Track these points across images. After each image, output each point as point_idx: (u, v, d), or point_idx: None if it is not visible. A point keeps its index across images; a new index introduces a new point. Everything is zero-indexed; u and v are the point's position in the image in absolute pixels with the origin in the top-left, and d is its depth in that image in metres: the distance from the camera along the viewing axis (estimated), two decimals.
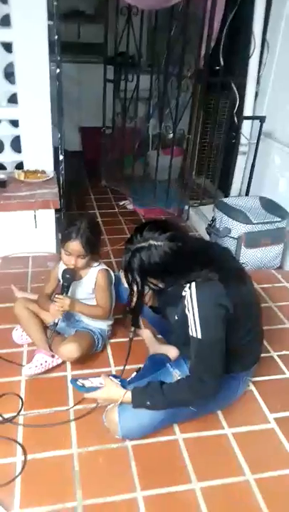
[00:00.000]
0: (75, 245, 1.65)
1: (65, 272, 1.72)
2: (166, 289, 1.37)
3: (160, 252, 1.24)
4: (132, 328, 1.56)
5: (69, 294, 1.75)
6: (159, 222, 1.35)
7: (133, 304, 1.39)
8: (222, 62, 2.79)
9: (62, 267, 1.81)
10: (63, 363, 1.78)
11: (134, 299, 1.37)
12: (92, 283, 1.79)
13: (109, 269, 1.83)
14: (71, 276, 1.72)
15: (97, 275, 1.78)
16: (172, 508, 1.29)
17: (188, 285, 1.31)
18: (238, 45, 2.80)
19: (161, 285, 1.34)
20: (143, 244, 1.26)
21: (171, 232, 1.27)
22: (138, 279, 1.30)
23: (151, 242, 1.25)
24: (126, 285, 1.90)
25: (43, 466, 1.38)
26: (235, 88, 2.82)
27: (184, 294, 1.33)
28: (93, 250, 1.71)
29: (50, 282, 1.89)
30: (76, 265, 1.71)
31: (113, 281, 1.86)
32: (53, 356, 1.74)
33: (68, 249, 1.67)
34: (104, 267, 1.82)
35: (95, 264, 1.80)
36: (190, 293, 1.30)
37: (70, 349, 1.67)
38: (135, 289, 1.33)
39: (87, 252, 1.68)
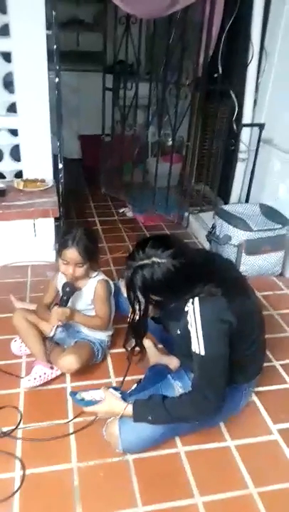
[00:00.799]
0: (72, 253, 1.64)
1: (65, 285, 1.70)
2: (168, 304, 1.35)
3: (163, 270, 1.22)
4: (135, 349, 1.50)
5: (68, 306, 1.74)
6: (161, 237, 1.33)
7: (134, 321, 1.36)
8: (220, 70, 2.80)
9: (61, 276, 1.80)
10: (62, 374, 1.75)
11: (137, 317, 1.34)
12: (91, 293, 1.77)
13: (108, 279, 1.82)
14: (71, 290, 1.70)
15: (97, 286, 1.76)
16: None
17: (191, 300, 1.29)
18: (236, 52, 2.80)
19: (163, 301, 1.32)
20: (146, 261, 1.23)
21: (174, 248, 1.25)
22: (140, 297, 1.27)
23: (154, 259, 1.23)
24: (126, 295, 1.92)
25: (42, 481, 1.36)
26: (233, 96, 2.82)
27: (186, 309, 1.31)
28: (91, 258, 1.69)
29: (49, 292, 1.88)
30: (74, 274, 1.68)
31: (112, 291, 1.84)
32: (52, 368, 1.72)
33: (65, 257, 1.65)
34: (104, 277, 1.80)
35: (94, 274, 1.79)
36: (193, 308, 1.28)
37: (70, 361, 1.65)
38: (138, 307, 1.30)
39: (84, 260, 1.66)
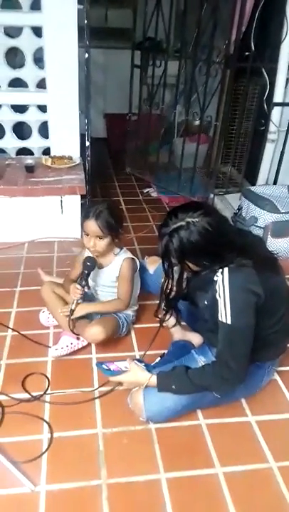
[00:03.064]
0: (91, 225, 1.66)
1: (86, 259, 1.72)
2: (201, 272, 1.36)
3: (199, 228, 1.23)
4: (166, 317, 1.53)
5: (90, 281, 1.76)
6: (191, 203, 1.35)
7: (169, 290, 1.37)
8: (253, 47, 2.73)
9: (88, 252, 1.83)
10: (88, 345, 1.80)
11: (172, 285, 1.35)
12: (116, 271, 1.79)
13: (134, 257, 1.83)
14: (92, 264, 1.71)
15: (122, 264, 1.77)
16: (195, 491, 1.30)
17: (220, 270, 1.30)
18: (269, 29, 2.72)
19: (197, 269, 1.33)
20: (180, 223, 1.24)
21: (205, 208, 1.26)
22: (177, 263, 1.28)
23: (189, 219, 1.24)
24: (151, 271, 1.94)
25: (68, 445, 1.42)
26: (265, 74, 2.76)
27: (215, 279, 1.32)
28: (112, 233, 1.69)
29: (76, 268, 1.91)
30: (95, 247, 1.70)
31: (138, 269, 1.86)
32: (78, 338, 1.77)
33: (86, 229, 1.68)
34: (130, 255, 1.81)
35: (117, 250, 1.80)
36: (222, 278, 1.29)
37: (96, 331, 1.70)
38: (174, 274, 1.31)
39: (104, 234, 1.67)
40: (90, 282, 1.86)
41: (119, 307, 1.80)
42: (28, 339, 1.83)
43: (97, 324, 1.72)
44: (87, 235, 1.70)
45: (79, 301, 1.71)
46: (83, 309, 1.73)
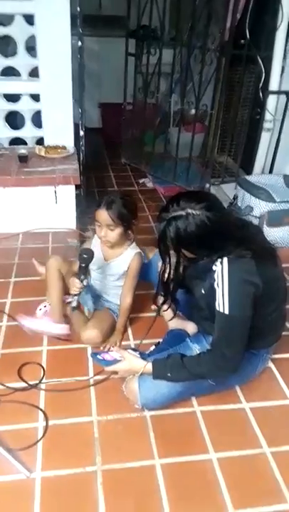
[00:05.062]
0: (102, 213, 1.64)
1: (82, 251, 1.66)
2: (197, 261, 1.36)
3: (197, 221, 1.22)
4: (164, 305, 1.53)
5: (97, 273, 1.73)
6: (195, 192, 1.34)
7: (166, 276, 1.37)
8: (248, 35, 2.70)
9: (94, 243, 1.81)
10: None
11: (169, 272, 1.35)
12: (126, 264, 1.76)
13: (141, 251, 1.80)
14: (88, 256, 1.64)
15: (133, 258, 1.75)
16: (189, 476, 1.32)
17: (219, 260, 1.30)
18: (264, 17, 2.70)
19: (193, 257, 1.33)
20: (180, 212, 1.24)
21: (208, 201, 1.25)
22: (172, 250, 1.28)
23: (189, 210, 1.23)
24: (146, 261, 1.94)
25: (63, 432, 1.42)
26: (261, 62, 2.74)
27: (214, 268, 1.32)
28: (123, 224, 1.66)
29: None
30: (106, 237, 1.68)
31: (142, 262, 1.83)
32: (60, 327, 1.75)
33: (97, 218, 1.66)
34: (138, 249, 1.79)
35: (128, 243, 1.77)
36: (221, 268, 1.29)
37: (93, 335, 1.70)
38: (170, 260, 1.31)
39: (115, 223, 1.64)
40: (97, 275, 1.85)
41: (129, 306, 1.78)
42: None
43: (93, 327, 1.71)
44: (100, 225, 1.67)
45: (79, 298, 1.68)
46: (117, 337, 1.76)
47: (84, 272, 1.65)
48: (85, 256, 1.64)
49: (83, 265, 1.64)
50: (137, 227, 1.77)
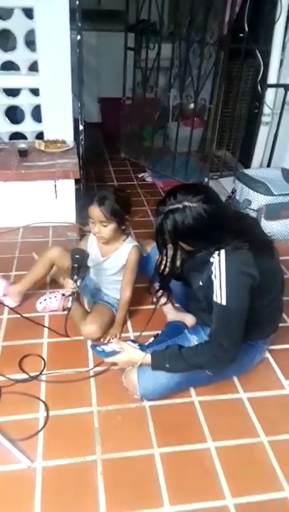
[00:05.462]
0: (94, 210, 1.65)
1: (73, 252, 1.64)
2: (195, 254, 1.38)
3: (194, 214, 1.24)
4: (159, 294, 1.55)
5: (94, 269, 1.75)
6: (192, 185, 1.35)
7: (162, 268, 1.39)
8: (246, 28, 2.70)
9: (91, 239, 1.82)
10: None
11: (165, 264, 1.37)
12: (123, 259, 1.77)
13: (138, 244, 1.81)
14: (81, 257, 1.63)
15: (131, 252, 1.76)
16: (188, 465, 1.34)
17: (216, 252, 1.32)
18: (263, 10, 2.69)
19: (191, 250, 1.34)
20: (177, 205, 1.25)
21: (205, 194, 1.27)
22: (170, 242, 1.30)
23: (186, 203, 1.24)
24: (145, 254, 1.95)
25: (64, 422, 1.45)
26: (259, 55, 2.74)
27: (211, 260, 1.33)
28: (116, 219, 1.66)
29: None
30: (100, 233, 1.69)
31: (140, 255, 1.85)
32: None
33: (90, 214, 1.67)
34: (136, 243, 1.80)
35: (124, 237, 1.78)
36: (219, 260, 1.31)
37: (92, 330, 1.72)
38: (167, 253, 1.33)
39: (107, 219, 1.65)
40: (95, 271, 1.87)
41: (128, 299, 1.80)
42: (26, 319, 1.85)
43: (92, 322, 1.73)
44: (93, 221, 1.68)
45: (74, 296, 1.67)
46: (117, 329, 1.78)
47: (77, 272, 1.62)
48: (77, 256, 1.62)
49: (75, 265, 1.62)
50: (132, 222, 1.79)
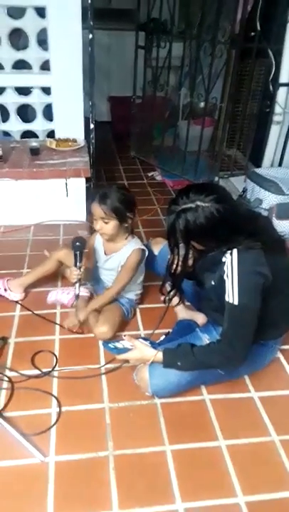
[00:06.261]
0: (95, 207, 1.67)
1: (74, 240, 1.70)
2: (207, 253, 1.38)
3: (206, 214, 1.24)
4: (171, 294, 1.55)
5: (98, 267, 1.77)
6: (205, 184, 1.35)
7: (174, 267, 1.39)
8: (258, 27, 2.69)
9: (98, 237, 1.84)
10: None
11: (177, 263, 1.37)
12: (124, 258, 1.79)
13: (144, 248, 1.82)
14: (81, 244, 1.69)
15: (131, 254, 1.76)
16: (199, 462, 1.35)
17: (229, 251, 1.32)
18: (276, 9, 2.68)
19: (203, 249, 1.34)
20: (189, 205, 1.25)
21: (218, 194, 1.26)
22: (182, 242, 1.30)
23: (198, 203, 1.24)
24: (156, 252, 1.96)
25: (76, 418, 1.46)
26: (271, 54, 2.72)
27: (224, 260, 1.34)
28: (118, 217, 1.68)
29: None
30: (102, 230, 1.71)
31: (145, 258, 1.85)
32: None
33: (92, 211, 1.69)
34: (140, 246, 1.80)
35: (128, 236, 1.80)
36: (231, 259, 1.31)
37: (104, 331, 1.73)
38: (179, 252, 1.33)
39: (108, 216, 1.66)
40: (100, 268, 1.89)
41: (111, 295, 1.81)
42: (38, 315, 1.87)
43: (104, 323, 1.74)
44: (95, 219, 1.70)
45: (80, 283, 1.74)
46: (83, 313, 1.78)
47: (80, 259, 1.70)
48: (78, 244, 1.69)
49: (77, 253, 1.69)
50: (136, 220, 1.79)
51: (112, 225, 1.70)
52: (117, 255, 1.81)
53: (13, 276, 2.03)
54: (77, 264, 1.70)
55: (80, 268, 1.70)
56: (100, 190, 1.71)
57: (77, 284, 1.72)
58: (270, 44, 2.74)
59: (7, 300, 1.94)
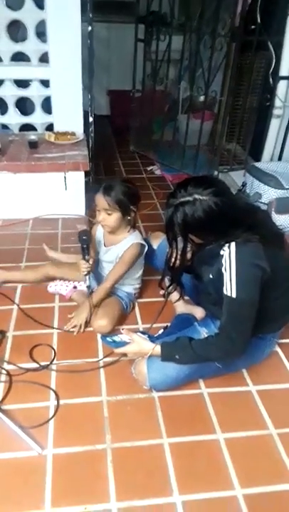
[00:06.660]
0: (99, 199, 1.67)
1: (80, 234, 1.72)
2: (205, 246, 1.37)
3: (204, 207, 1.23)
4: (170, 288, 1.55)
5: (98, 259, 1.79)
6: (203, 177, 1.34)
7: (173, 261, 1.39)
8: (259, 19, 2.67)
9: (100, 228, 1.84)
10: None
11: (176, 257, 1.37)
12: (122, 251, 1.79)
13: (144, 242, 1.82)
14: (87, 238, 1.72)
15: (129, 247, 1.76)
16: (196, 455, 1.35)
17: (227, 245, 1.31)
18: (276, 1, 2.66)
19: (201, 242, 1.34)
20: (187, 198, 1.25)
21: (216, 187, 1.26)
22: (180, 235, 1.30)
23: (196, 196, 1.24)
24: (155, 247, 1.96)
25: (74, 411, 1.46)
26: (271, 47, 2.71)
27: (222, 253, 1.33)
28: (121, 210, 1.69)
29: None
30: (104, 222, 1.71)
31: (144, 252, 1.85)
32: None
33: (96, 202, 1.69)
34: (139, 240, 1.80)
35: (132, 231, 1.80)
36: (229, 252, 1.30)
37: (103, 324, 1.73)
38: (178, 246, 1.33)
39: (111, 208, 1.67)
40: (100, 260, 1.89)
41: (106, 289, 1.79)
42: (32, 319, 1.84)
43: (103, 317, 1.74)
44: (98, 210, 1.71)
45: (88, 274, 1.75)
46: (85, 313, 1.77)
47: (87, 252, 1.72)
48: (84, 237, 1.71)
49: (84, 246, 1.71)
50: (139, 214, 1.79)
51: (114, 217, 1.70)
52: (116, 248, 1.80)
53: (8, 269, 2.04)
54: (86, 257, 1.72)
55: (88, 261, 1.72)
56: (106, 181, 1.71)
57: (87, 277, 1.74)
58: (270, 37, 2.72)
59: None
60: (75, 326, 1.76)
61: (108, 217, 1.70)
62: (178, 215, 1.27)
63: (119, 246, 1.80)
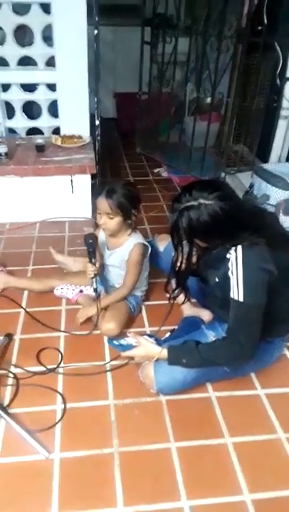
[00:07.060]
0: (101, 202, 1.67)
1: (86, 237, 1.72)
2: (211, 250, 1.36)
3: (210, 211, 1.22)
4: (176, 292, 1.54)
5: (96, 258, 1.78)
6: (208, 181, 1.33)
7: (178, 265, 1.38)
8: (265, 21, 2.66)
9: (102, 232, 1.84)
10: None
11: (181, 261, 1.36)
12: (126, 254, 1.79)
13: (146, 242, 1.82)
14: (93, 241, 1.72)
15: (133, 249, 1.76)
16: (205, 459, 1.34)
17: (233, 248, 1.30)
18: (283, 2, 2.65)
19: (206, 246, 1.33)
20: (192, 202, 1.24)
21: (221, 191, 1.25)
22: (185, 239, 1.29)
23: (201, 201, 1.23)
24: (161, 249, 1.95)
25: (81, 415, 1.46)
26: (278, 48, 2.69)
27: (228, 256, 1.32)
28: (123, 213, 1.68)
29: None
30: (105, 225, 1.71)
31: (148, 253, 1.85)
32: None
33: (97, 206, 1.69)
34: (141, 240, 1.80)
35: (130, 232, 1.79)
36: (235, 256, 1.29)
37: (110, 327, 1.72)
38: (183, 250, 1.32)
39: (113, 212, 1.67)
40: (103, 267, 1.89)
41: (123, 295, 1.81)
42: (39, 322, 1.84)
43: (111, 320, 1.73)
44: (100, 213, 1.71)
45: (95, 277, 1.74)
46: (92, 308, 1.77)
47: (94, 255, 1.72)
48: (90, 241, 1.71)
49: (90, 250, 1.71)
50: (140, 217, 1.78)
51: (116, 221, 1.70)
52: (120, 250, 1.80)
53: (15, 274, 2.05)
54: (92, 260, 1.71)
55: (94, 264, 1.72)
56: (108, 185, 1.71)
57: (94, 280, 1.73)
58: (277, 38, 2.70)
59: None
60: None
61: (109, 221, 1.70)
62: (183, 219, 1.26)
63: (122, 248, 1.80)
